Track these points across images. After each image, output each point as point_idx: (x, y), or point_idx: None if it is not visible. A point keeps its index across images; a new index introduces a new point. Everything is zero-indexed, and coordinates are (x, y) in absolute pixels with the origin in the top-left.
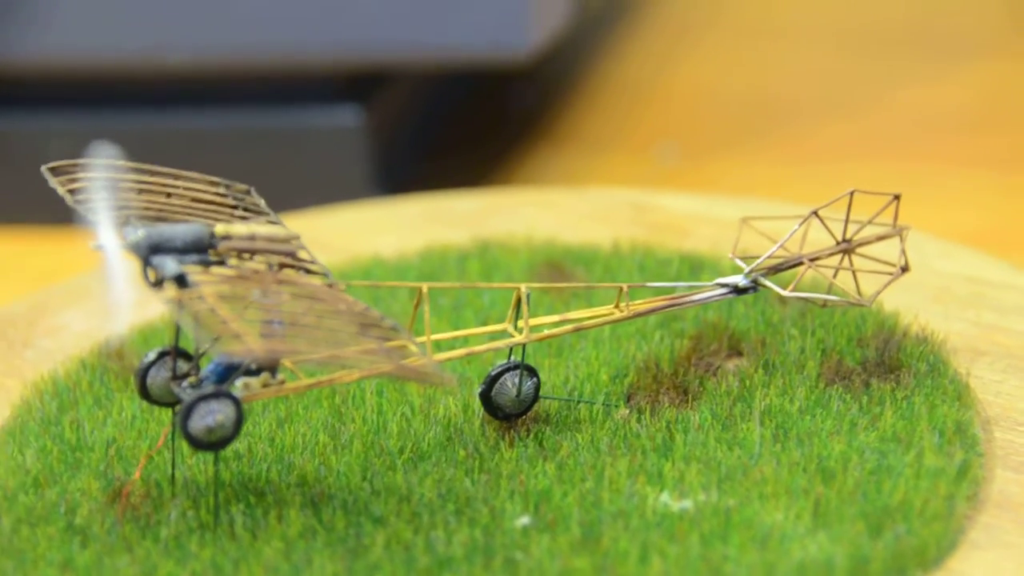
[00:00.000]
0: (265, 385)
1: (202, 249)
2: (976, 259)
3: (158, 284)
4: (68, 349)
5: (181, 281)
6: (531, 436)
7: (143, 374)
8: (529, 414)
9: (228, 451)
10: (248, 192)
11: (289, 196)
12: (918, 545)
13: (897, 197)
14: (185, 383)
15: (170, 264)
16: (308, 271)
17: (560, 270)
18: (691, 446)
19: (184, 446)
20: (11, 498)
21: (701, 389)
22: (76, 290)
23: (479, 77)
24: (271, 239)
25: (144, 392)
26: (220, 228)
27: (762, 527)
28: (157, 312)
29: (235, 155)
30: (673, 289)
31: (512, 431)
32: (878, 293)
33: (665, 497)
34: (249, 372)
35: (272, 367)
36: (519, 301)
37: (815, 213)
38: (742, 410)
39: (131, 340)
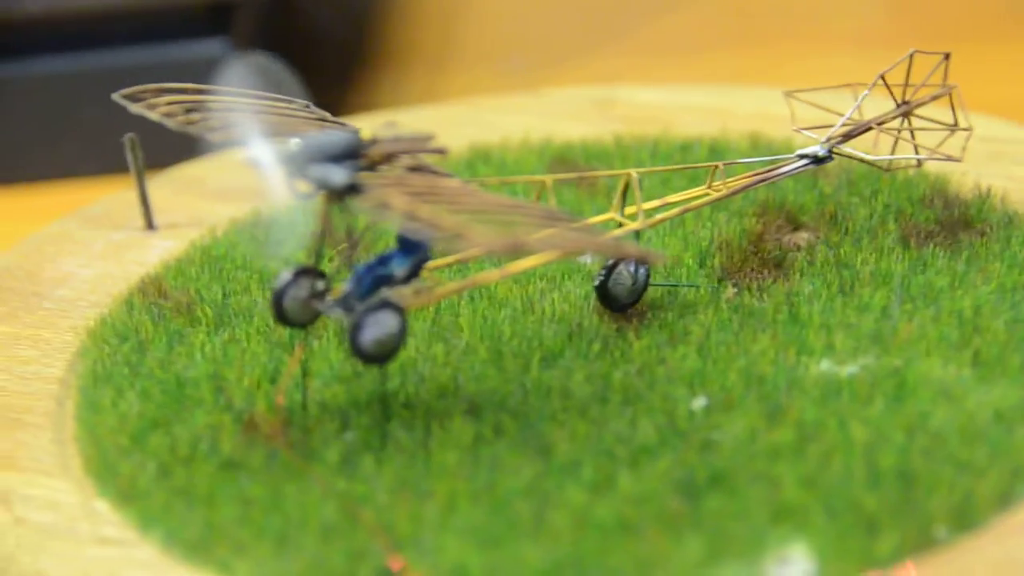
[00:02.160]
0: (417, 292)
1: (354, 155)
2: (987, 121)
3: (328, 192)
4: (90, 296)
5: (353, 189)
6: (653, 325)
7: (280, 295)
8: (637, 305)
9: (348, 369)
10: (308, 106)
11: (167, 132)
12: None
13: (947, 56)
14: (329, 300)
15: (337, 172)
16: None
17: (575, 166)
18: (823, 315)
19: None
20: (141, 440)
21: (792, 262)
22: (59, 238)
23: None
24: (414, 140)
25: (281, 314)
26: (367, 132)
27: (938, 382)
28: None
29: (105, 97)
30: (753, 166)
31: (628, 322)
32: (963, 149)
33: (826, 365)
34: (395, 282)
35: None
36: (626, 188)
37: (882, 77)
38: (851, 275)
39: (162, 275)
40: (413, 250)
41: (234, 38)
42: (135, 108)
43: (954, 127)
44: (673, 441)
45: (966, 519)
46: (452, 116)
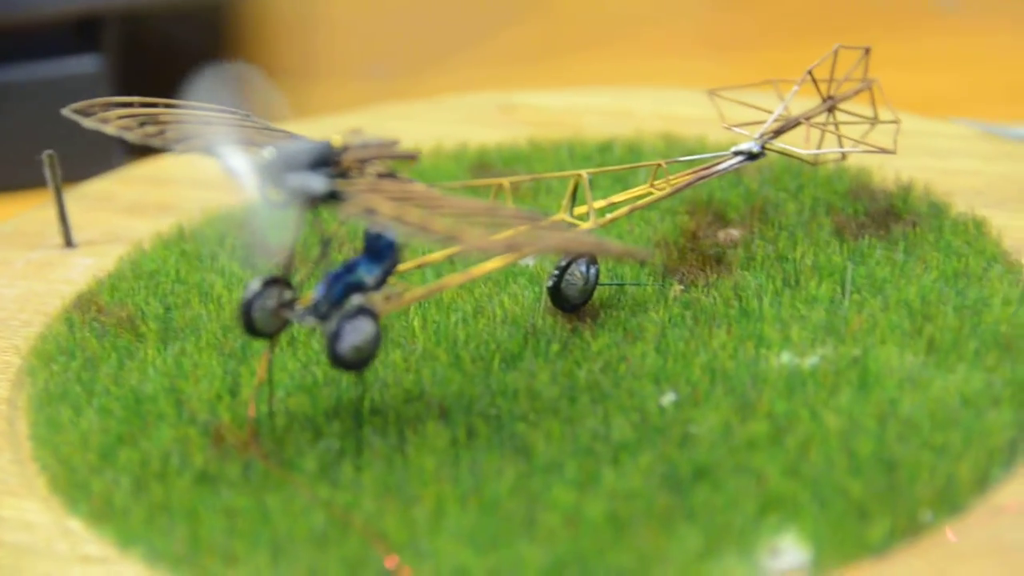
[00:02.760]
0: (387, 298)
1: (326, 163)
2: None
3: (305, 200)
4: (20, 315)
5: (332, 196)
6: (608, 323)
7: (249, 305)
8: (587, 305)
9: (309, 378)
10: (248, 115)
11: (41, 148)
12: None
13: (867, 50)
14: (300, 309)
15: (316, 180)
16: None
17: (496, 170)
18: (773, 308)
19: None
20: (109, 456)
21: (732, 257)
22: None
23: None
24: (383, 146)
25: (250, 324)
26: (337, 140)
27: (899, 370)
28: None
29: None
30: (692, 164)
31: (583, 321)
32: (894, 141)
33: (787, 357)
34: (364, 289)
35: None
36: (575, 189)
37: (809, 73)
38: (793, 267)
39: (96, 291)
40: (381, 256)
41: (104, 54)
42: (88, 123)
43: (874, 120)
44: (650, 436)
45: (949, 503)
46: (357, 126)
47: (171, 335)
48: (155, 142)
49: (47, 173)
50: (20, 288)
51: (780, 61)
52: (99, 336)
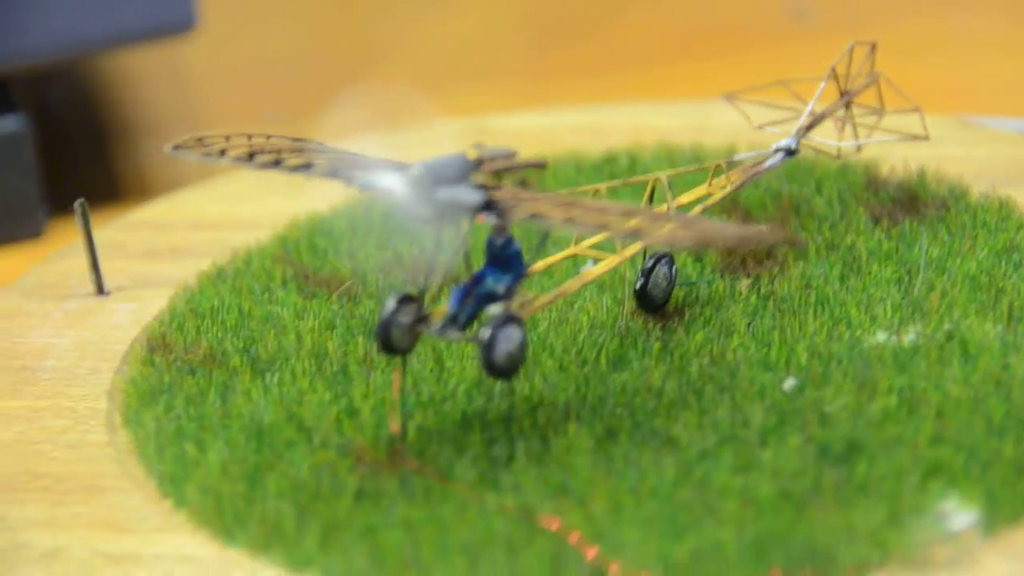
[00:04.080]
0: (521, 306)
1: (466, 176)
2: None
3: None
4: (83, 362)
5: (489, 207)
6: (696, 320)
7: (388, 323)
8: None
9: (425, 394)
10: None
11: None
12: None
13: (874, 46)
14: (437, 323)
15: (470, 192)
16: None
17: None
18: (849, 292)
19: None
20: (256, 484)
21: (783, 250)
22: (9, 313)
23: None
24: (510, 155)
25: (387, 342)
26: (472, 152)
27: (994, 339)
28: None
29: None
30: (740, 162)
31: (670, 321)
32: (924, 127)
33: (882, 336)
34: (497, 298)
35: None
36: (652, 191)
37: (833, 70)
38: (848, 254)
39: (160, 333)
40: (510, 266)
41: (21, 113)
42: (195, 157)
43: (880, 111)
44: (789, 419)
45: None
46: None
47: (262, 367)
48: (284, 170)
49: (79, 221)
50: (71, 337)
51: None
52: (190, 374)
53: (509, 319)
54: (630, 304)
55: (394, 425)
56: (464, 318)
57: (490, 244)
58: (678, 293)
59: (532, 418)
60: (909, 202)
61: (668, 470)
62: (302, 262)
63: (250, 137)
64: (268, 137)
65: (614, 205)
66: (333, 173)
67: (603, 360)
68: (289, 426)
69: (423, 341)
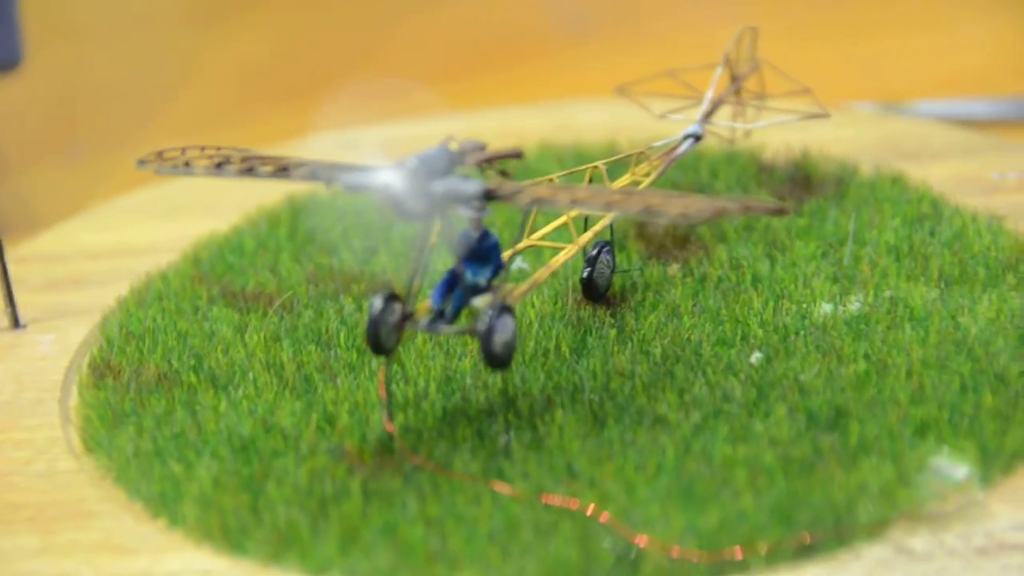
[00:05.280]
0: (505, 296)
1: (452, 168)
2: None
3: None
4: (26, 394)
5: (489, 196)
6: (643, 305)
7: (377, 323)
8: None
9: (398, 395)
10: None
11: None
12: None
13: (755, 31)
14: (424, 320)
15: (468, 182)
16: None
17: None
18: (781, 269)
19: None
20: (257, 494)
21: (701, 236)
22: None
23: None
24: (484, 148)
25: (377, 342)
26: (454, 145)
27: (935, 303)
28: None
29: None
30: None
31: (612, 307)
32: (820, 105)
33: (828, 307)
34: (480, 291)
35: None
36: (591, 180)
37: (726, 57)
38: (767, 234)
39: (101, 357)
40: (488, 259)
41: None
42: (163, 170)
43: (762, 95)
44: (766, 390)
45: None
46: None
47: (220, 382)
48: (256, 176)
49: None
50: (1, 371)
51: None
52: (150, 394)
53: (503, 309)
54: (575, 294)
55: (389, 424)
56: (451, 312)
57: (465, 238)
58: (615, 281)
59: (514, 409)
60: (804, 182)
61: (667, 447)
62: (223, 280)
63: (203, 148)
64: (217, 148)
65: (605, 188)
66: (313, 175)
67: (564, 349)
68: (271, 436)
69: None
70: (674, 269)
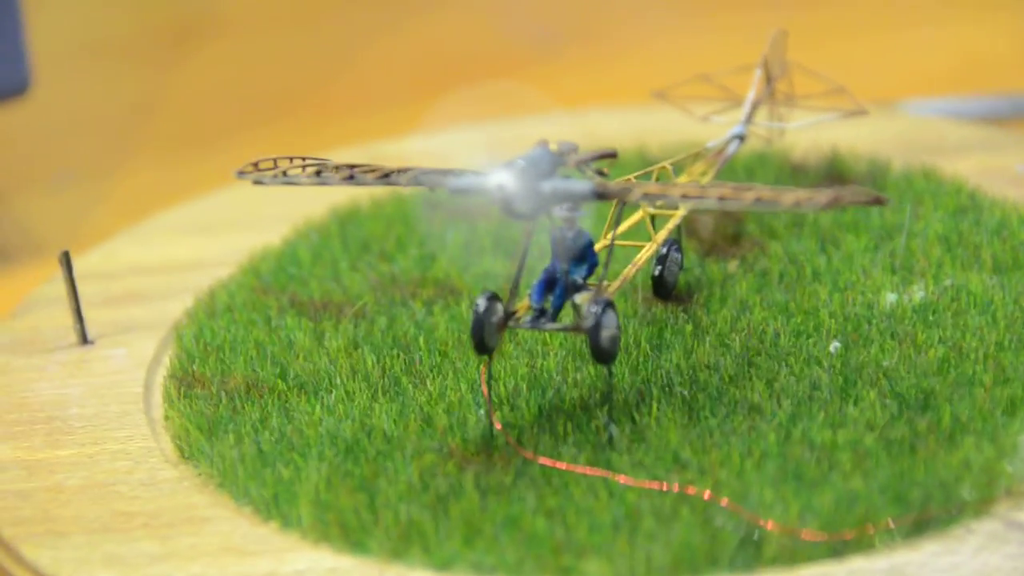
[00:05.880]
0: (602, 291)
1: (555, 169)
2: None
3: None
4: (110, 407)
5: (600, 194)
6: (710, 303)
7: (481, 324)
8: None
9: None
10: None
11: None
12: None
13: (786, 33)
14: (527, 318)
15: (580, 183)
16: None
17: None
18: (837, 262)
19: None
20: (373, 494)
21: (750, 232)
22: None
23: None
24: (576, 148)
25: (482, 342)
26: (554, 146)
27: (998, 289)
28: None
29: None
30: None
31: (682, 304)
32: (856, 102)
33: (892, 297)
34: (579, 288)
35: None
36: (657, 179)
37: (765, 59)
38: (816, 229)
39: (183, 365)
40: (584, 257)
41: None
42: (266, 181)
43: (789, 96)
44: (852, 377)
45: None
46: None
47: (310, 387)
48: (355, 183)
49: (63, 271)
50: (80, 386)
51: None
52: (242, 402)
53: (607, 304)
54: (644, 292)
55: (496, 422)
56: (553, 310)
57: (560, 238)
58: (681, 279)
59: (608, 403)
60: (840, 179)
61: (767, 434)
62: (288, 291)
63: (291, 160)
64: (304, 159)
65: (711, 183)
66: (416, 180)
67: (645, 345)
68: (373, 438)
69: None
70: (733, 266)
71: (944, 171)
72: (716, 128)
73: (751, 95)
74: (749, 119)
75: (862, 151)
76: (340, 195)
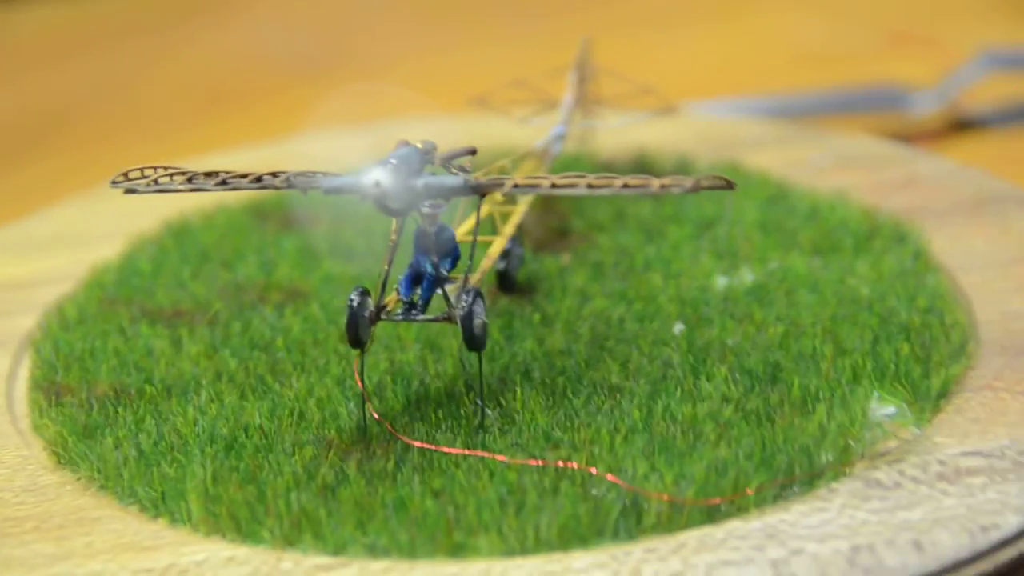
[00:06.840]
0: (464, 283)
1: (423, 166)
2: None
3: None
4: None
5: (474, 188)
6: (552, 293)
7: (355, 319)
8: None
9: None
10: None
11: None
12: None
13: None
14: (398, 311)
15: (452, 178)
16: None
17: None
18: (667, 251)
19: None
20: (260, 485)
21: (575, 227)
22: None
23: None
24: (436, 147)
25: (356, 336)
26: (421, 145)
27: (821, 269)
28: None
29: None
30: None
31: (525, 296)
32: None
33: (723, 280)
34: (444, 280)
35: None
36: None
37: (577, 63)
38: (644, 221)
39: (44, 375)
40: (447, 251)
41: None
42: (144, 189)
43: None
44: (700, 355)
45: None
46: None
47: (178, 390)
48: (229, 188)
49: None
50: None
51: None
52: (114, 407)
53: (477, 293)
54: (489, 285)
55: (373, 412)
56: (422, 301)
57: (422, 233)
58: (520, 273)
59: (472, 391)
60: (647, 174)
61: (631, 411)
62: (136, 301)
63: (156, 169)
64: (166, 168)
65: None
66: (289, 183)
67: (498, 336)
68: (251, 435)
69: None
70: (567, 259)
71: (748, 165)
72: (533, 130)
73: (568, 97)
74: (568, 120)
75: (667, 149)
76: (169, 208)
